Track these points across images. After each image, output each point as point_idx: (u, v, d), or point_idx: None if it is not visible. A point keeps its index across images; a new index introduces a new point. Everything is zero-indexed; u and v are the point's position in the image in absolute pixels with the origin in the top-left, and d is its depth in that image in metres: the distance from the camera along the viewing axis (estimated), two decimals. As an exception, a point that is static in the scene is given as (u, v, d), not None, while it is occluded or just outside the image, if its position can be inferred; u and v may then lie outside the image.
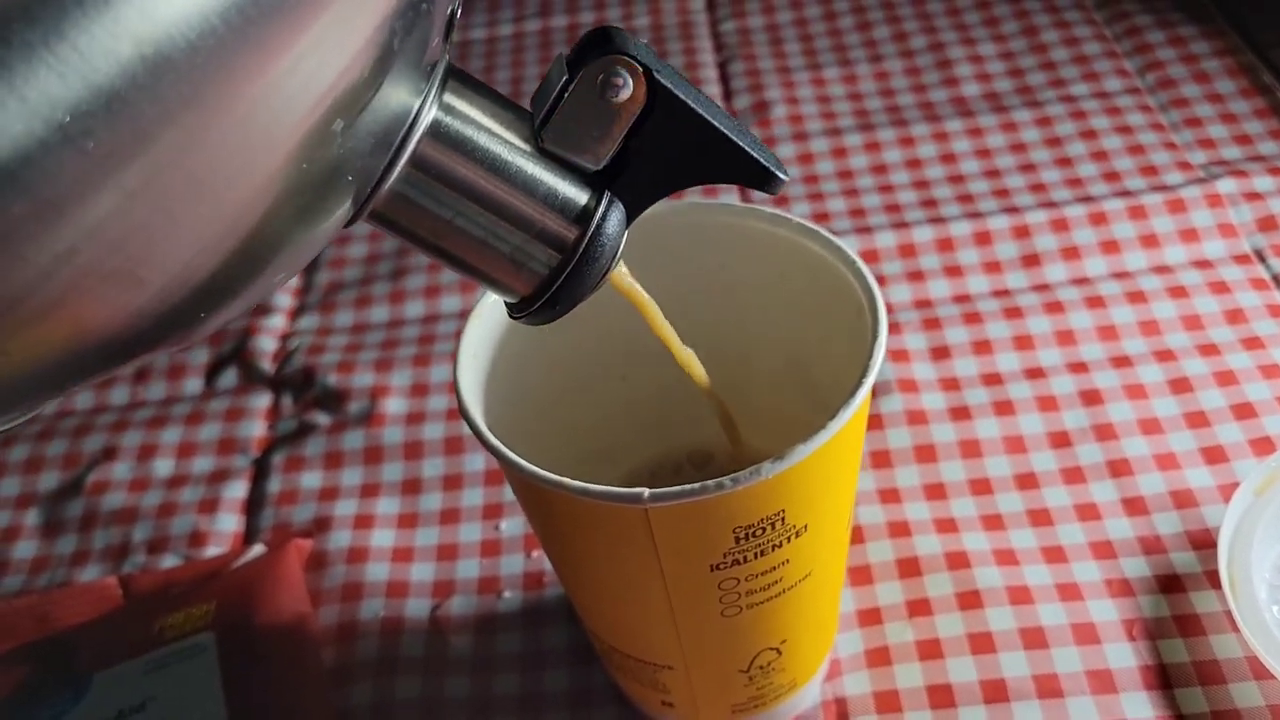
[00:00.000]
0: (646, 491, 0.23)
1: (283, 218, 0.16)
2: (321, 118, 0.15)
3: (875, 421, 0.39)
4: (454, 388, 0.26)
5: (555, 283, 0.21)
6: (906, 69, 0.54)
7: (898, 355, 0.42)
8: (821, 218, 0.47)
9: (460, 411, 0.26)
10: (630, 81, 0.20)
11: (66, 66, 0.13)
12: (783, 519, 0.25)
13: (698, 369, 0.27)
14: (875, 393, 0.40)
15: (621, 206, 0.22)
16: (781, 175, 0.22)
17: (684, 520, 0.24)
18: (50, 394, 0.18)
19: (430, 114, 0.19)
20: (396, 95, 0.17)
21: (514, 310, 0.22)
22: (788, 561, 0.26)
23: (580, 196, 0.21)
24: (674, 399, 0.31)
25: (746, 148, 0.22)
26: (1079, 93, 0.51)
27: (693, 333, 0.27)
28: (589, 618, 0.30)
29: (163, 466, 0.42)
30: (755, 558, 0.26)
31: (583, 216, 0.21)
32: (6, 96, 0.13)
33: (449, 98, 0.19)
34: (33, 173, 0.14)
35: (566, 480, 0.24)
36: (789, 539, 0.26)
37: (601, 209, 0.21)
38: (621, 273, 0.25)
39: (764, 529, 0.25)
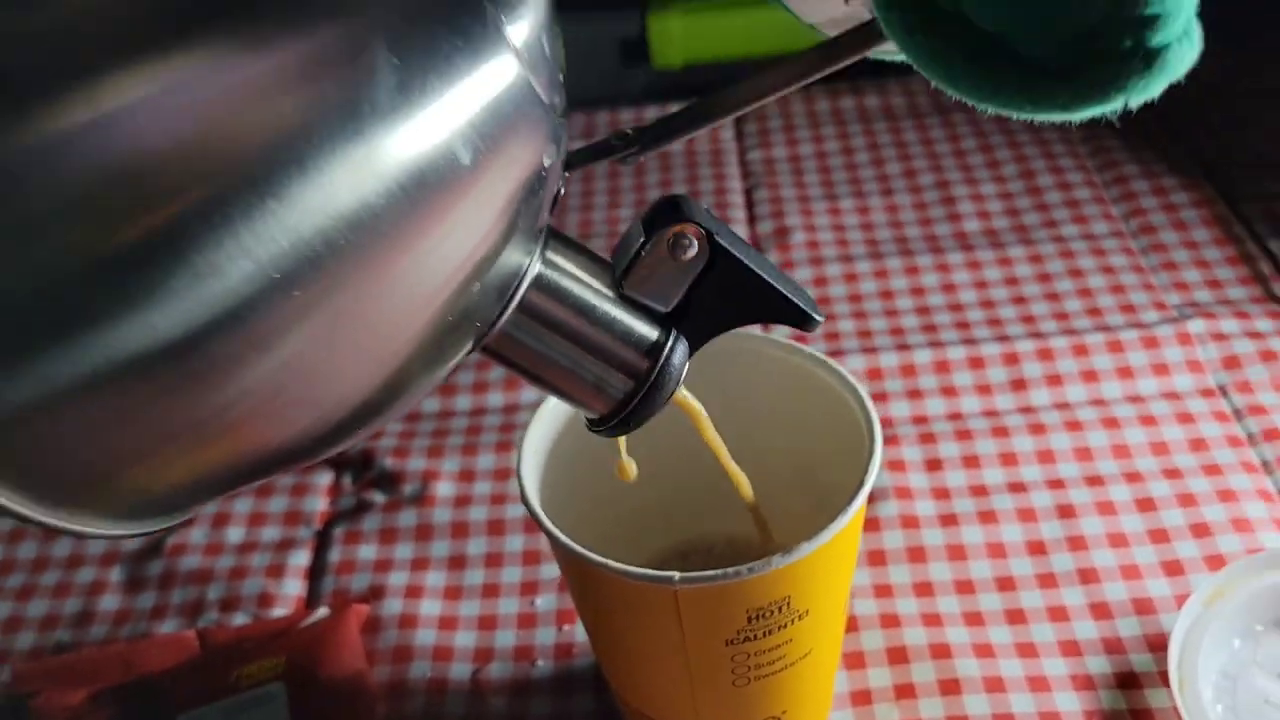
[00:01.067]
0: (677, 575, 0.28)
1: (426, 356, 0.21)
2: (462, 281, 0.21)
3: (872, 524, 0.44)
4: (517, 476, 0.31)
5: (629, 405, 0.26)
6: (915, 203, 0.60)
7: (895, 465, 0.47)
8: (832, 337, 0.53)
9: (521, 498, 0.31)
10: (695, 243, 0.26)
11: (285, 237, 0.19)
12: (789, 604, 0.30)
13: (744, 482, 0.32)
14: (873, 499, 0.45)
15: (685, 342, 0.27)
16: (818, 317, 0.28)
17: (706, 601, 0.29)
18: (217, 496, 0.23)
19: (536, 268, 0.24)
20: (514, 256, 0.23)
21: (592, 425, 0.27)
22: (791, 640, 0.31)
23: (652, 334, 0.26)
24: (707, 492, 0.36)
25: (790, 295, 0.27)
26: (1069, 233, 0.57)
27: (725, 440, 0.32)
28: (617, 681, 0.35)
29: (234, 534, 0.47)
30: (764, 636, 0.30)
31: (653, 350, 0.26)
32: (241, 257, 0.18)
33: (550, 254, 0.25)
34: (252, 314, 0.19)
35: (610, 561, 0.29)
36: (793, 621, 0.30)
37: (669, 344, 0.26)
38: (684, 394, 0.30)
39: (772, 612, 0.30)
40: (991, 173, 0.62)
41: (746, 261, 0.26)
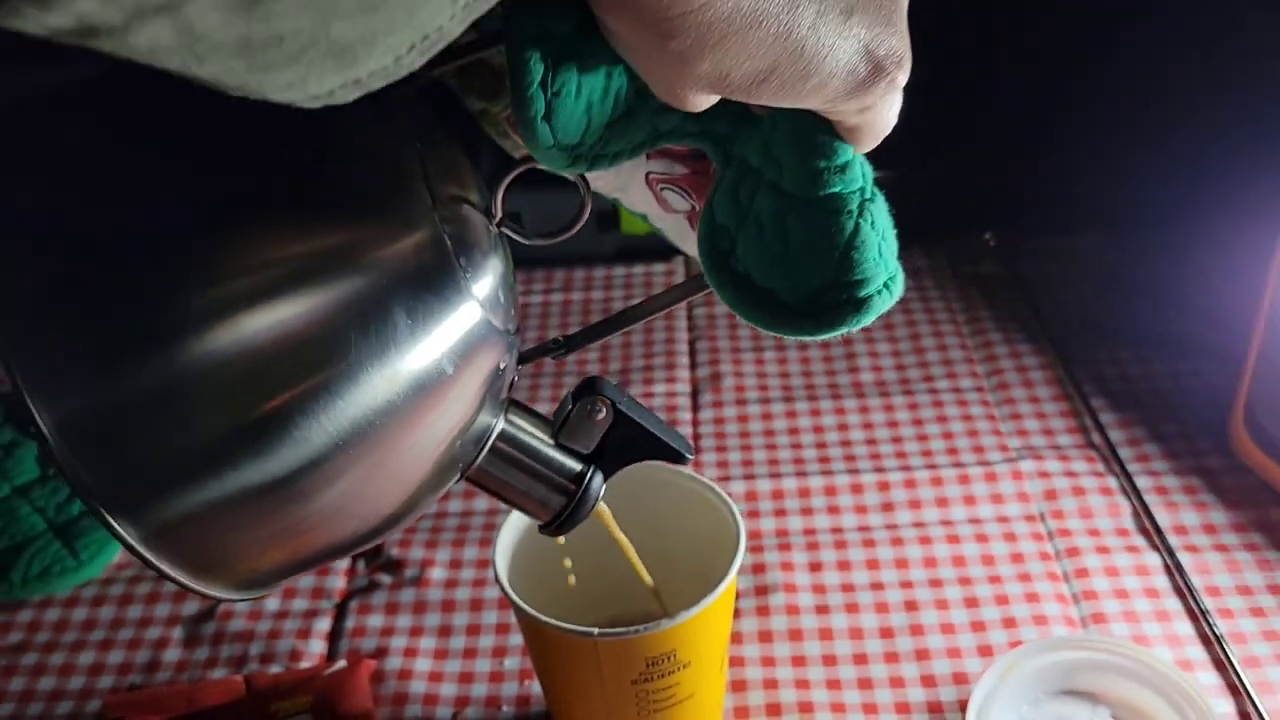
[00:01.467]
0: (596, 630, 0.42)
1: (430, 485, 0.34)
2: (454, 438, 0.34)
3: (764, 610, 0.58)
4: (492, 564, 0.45)
5: (563, 514, 0.39)
6: (823, 357, 0.75)
7: (786, 566, 0.60)
8: (748, 463, 0.67)
9: (495, 578, 0.45)
10: (604, 409, 0.40)
11: (343, 419, 0.31)
12: (675, 655, 0.43)
13: (642, 570, 0.46)
14: (765, 590, 0.59)
15: (601, 473, 0.40)
16: (689, 455, 0.41)
17: (616, 649, 0.42)
18: (295, 575, 0.36)
19: (500, 426, 0.38)
20: (485, 419, 0.36)
21: (541, 528, 0.41)
22: (679, 683, 0.45)
23: (577, 468, 0.39)
24: (630, 581, 0.50)
25: (670, 441, 0.41)
26: (941, 386, 0.72)
27: (633, 537, 0.46)
28: (555, 709, 0.48)
29: (272, 604, 0.61)
30: (658, 678, 0.44)
31: (578, 479, 0.39)
32: (319, 429, 0.31)
33: (510, 416, 0.38)
34: (325, 462, 0.31)
35: (554, 620, 0.42)
36: (679, 669, 0.44)
37: (589, 475, 0.39)
38: (603, 510, 0.43)
39: (662, 660, 0.43)
40: (887, 334, 0.77)
41: (640, 420, 0.39)
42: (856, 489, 0.65)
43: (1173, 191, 0.73)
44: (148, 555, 0.29)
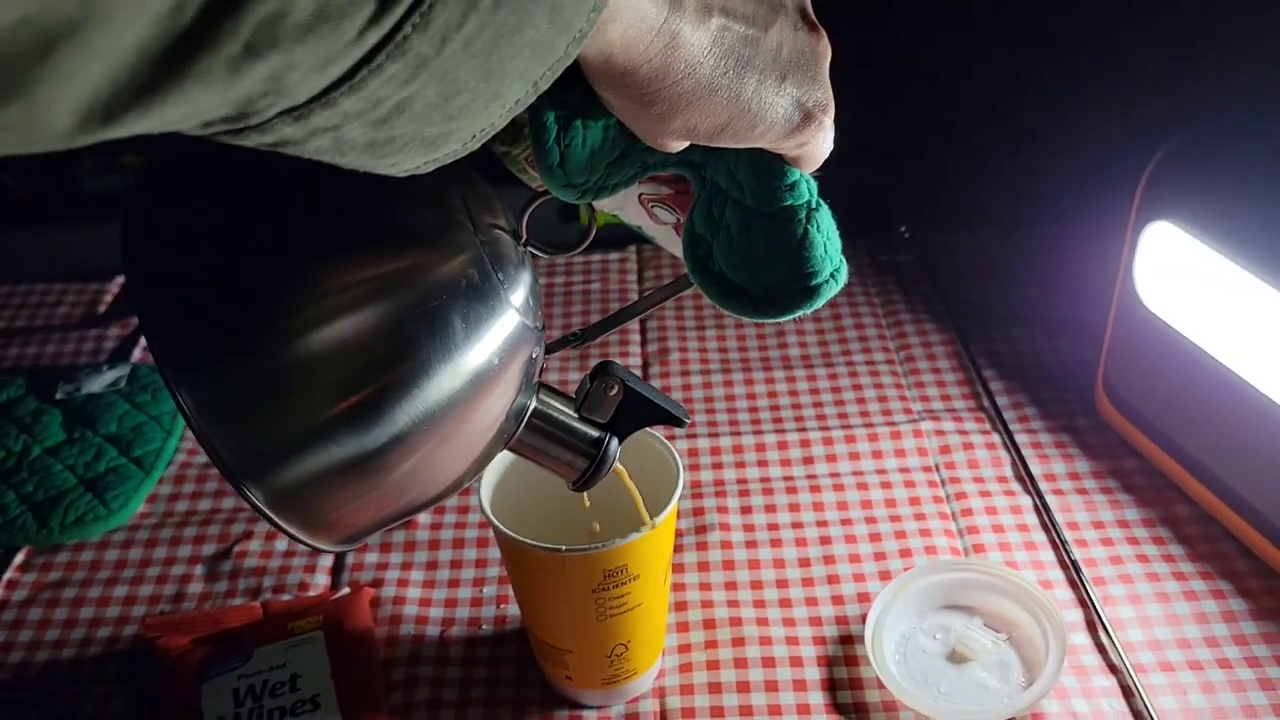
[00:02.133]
0: (564, 547, 0.52)
1: (485, 454, 0.42)
2: (501, 416, 0.41)
3: (703, 545, 0.69)
4: (478, 496, 0.55)
5: (587, 473, 0.48)
6: (756, 334, 0.86)
7: (722, 510, 0.71)
8: (691, 425, 0.78)
9: (480, 508, 0.55)
10: (617, 387, 0.49)
11: (421, 404, 0.39)
12: (626, 569, 0.54)
13: (642, 506, 0.55)
14: (704, 529, 0.70)
15: (616, 439, 0.48)
16: (685, 420, 0.50)
17: (580, 563, 0.53)
18: (387, 528, 0.44)
19: (533, 403, 0.46)
20: (522, 400, 0.44)
21: (570, 485, 0.49)
22: (629, 593, 0.55)
23: (596, 435, 0.47)
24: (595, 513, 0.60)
25: (670, 409, 0.49)
26: (857, 360, 0.83)
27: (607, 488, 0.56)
28: (529, 620, 0.58)
29: (280, 544, 0.70)
30: (613, 588, 0.54)
31: (598, 444, 0.47)
32: (403, 413, 0.40)
33: (541, 395, 0.46)
34: (408, 437, 0.39)
35: (529, 540, 0.53)
36: (629, 581, 0.55)
37: (607, 441, 0.48)
38: (618, 467, 0.52)
39: (616, 572, 0.54)
40: (813, 315, 0.88)
41: (645, 394, 0.48)
42: (782, 445, 0.76)
43: (1051, 193, 0.85)
44: (273, 516, 0.37)
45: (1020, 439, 0.75)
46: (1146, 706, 0.58)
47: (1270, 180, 0.60)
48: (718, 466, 0.75)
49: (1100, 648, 0.62)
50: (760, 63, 0.34)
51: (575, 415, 0.47)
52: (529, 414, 0.45)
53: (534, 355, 0.42)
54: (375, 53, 0.25)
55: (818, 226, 0.40)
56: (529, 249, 0.43)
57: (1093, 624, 0.63)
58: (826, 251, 0.40)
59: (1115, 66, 0.82)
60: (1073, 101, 0.85)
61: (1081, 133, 0.83)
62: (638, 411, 0.48)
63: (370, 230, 0.37)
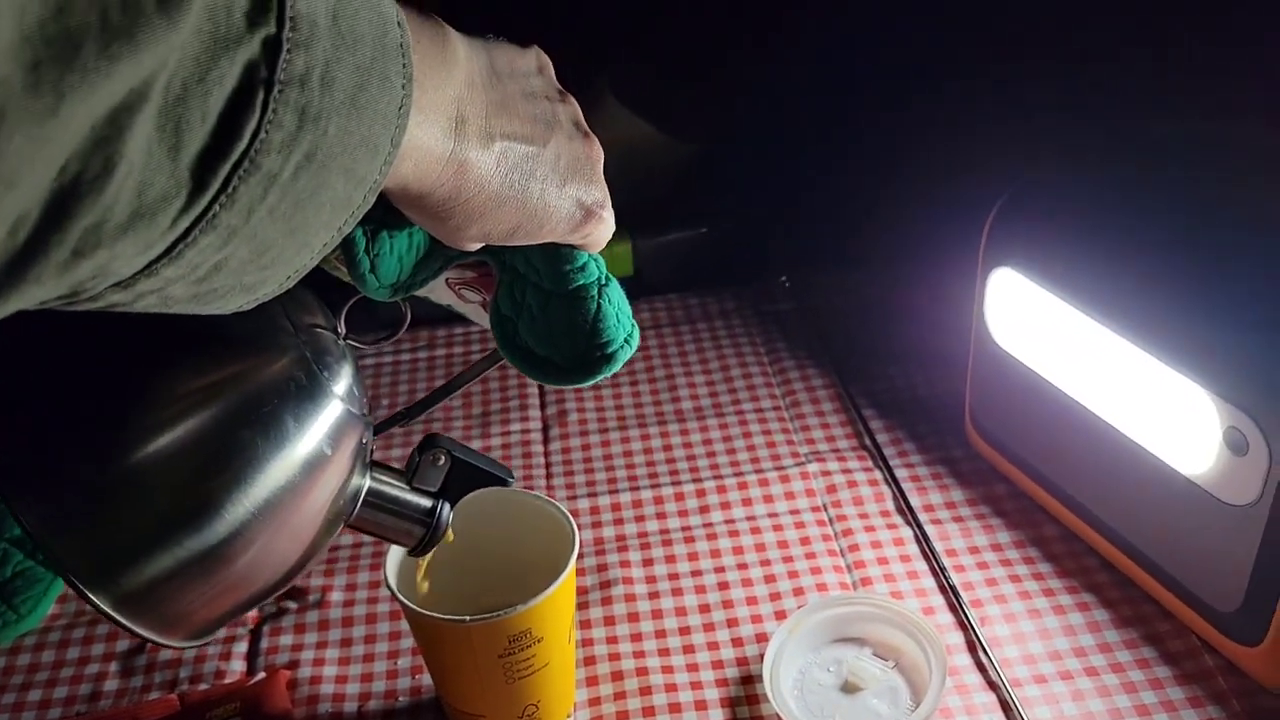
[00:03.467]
0: (468, 617, 0.55)
1: (324, 536, 0.45)
2: (336, 499, 0.45)
3: (608, 600, 0.72)
4: (384, 574, 0.58)
5: (424, 540, 0.51)
6: (651, 389, 0.90)
7: (624, 564, 0.74)
8: (591, 483, 0.81)
9: (385, 584, 0.57)
10: (443, 456, 0.52)
11: (254, 499, 0.42)
12: (530, 633, 0.57)
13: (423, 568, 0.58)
14: (609, 585, 0.73)
15: (448, 505, 0.52)
16: (510, 480, 0.53)
17: (484, 632, 0.56)
18: (231, 620, 0.47)
19: (368, 483, 0.49)
20: (356, 481, 0.47)
21: (408, 552, 0.52)
22: (535, 655, 0.58)
23: (429, 504, 0.51)
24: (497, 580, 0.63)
25: (495, 472, 0.53)
26: (746, 408, 0.88)
27: (493, 548, 0.59)
28: (440, 688, 0.61)
29: (194, 635, 0.71)
30: (519, 652, 0.57)
31: (431, 513, 0.51)
32: (238, 507, 0.43)
33: (374, 473, 0.49)
34: (245, 529, 0.41)
35: (434, 613, 0.55)
36: (534, 643, 0.57)
37: (439, 509, 0.51)
38: (449, 534, 0.55)
39: (521, 637, 0.57)
40: (702, 367, 0.92)
41: (470, 460, 0.52)
42: (679, 497, 0.80)
43: (916, 233, 0.91)
44: (119, 618, 0.38)
45: (900, 473, 0.80)
46: (1022, 718, 0.62)
47: (1093, 227, 0.66)
48: (619, 522, 0.78)
49: (980, 666, 0.66)
50: (541, 173, 0.39)
51: (407, 488, 0.50)
52: (364, 493, 0.47)
53: (363, 440, 0.45)
54: (189, 232, 0.28)
55: (609, 300, 0.45)
56: (348, 342, 0.47)
57: (972, 645, 0.67)
58: (619, 321, 0.45)
59: (961, 116, 0.89)
60: (927, 147, 0.92)
61: (937, 179, 0.89)
62: (466, 477, 0.52)
63: (198, 341, 0.39)
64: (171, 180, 0.26)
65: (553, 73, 0.42)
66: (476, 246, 0.41)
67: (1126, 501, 0.67)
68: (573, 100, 0.42)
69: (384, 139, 0.31)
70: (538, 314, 0.45)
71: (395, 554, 0.59)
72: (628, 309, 0.46)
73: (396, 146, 0.32)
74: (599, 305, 0.44)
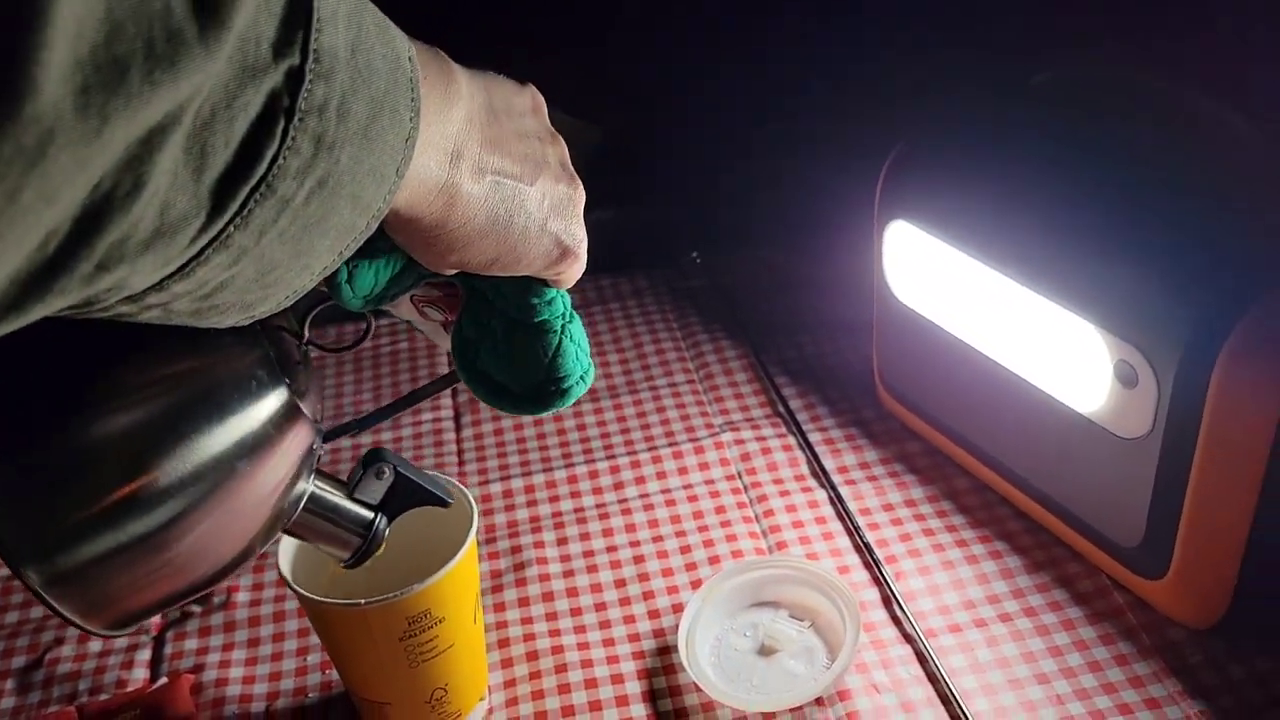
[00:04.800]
0: (364, 600, 0.54)
1: (262, 537, 0.44)
2: (278, 503, 0.43)
3: (522, 581, 0.71)
4: (276, 568, 0.56)
5: (359, 553, 0.50)
6: (565, 372, 0.89)
7: (538, 545, 0.73)
8: (504, 467, 0.80)
9: (280, 576, 0.56)
10: (387, 470, 0.51)
11: (189, 493, 0.41)
12: (430, 613, 0.56)
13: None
14: (523, 566, 0.72)
15: (386, 518, 0.51)
16: (450, 500, 0.53)
17: (381, 614, 0.54)
18: (159, 613, 0.45)
19: (310, 488, 0.48)
20: (301, 485, 0.46)
21: (341, 564, 0.51)
22: (438, 636, 0.57)
23: (368, 515, 0.50)
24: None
25: (436, 492, 0.52)
26: (661, 384, 0.87)
27: (396, 533, 0.58)
28: (345, 679, 0.59)
29: (94, 645, 0.69)
30: (420, 634, 0.56)
31: (370, 525, 0.50)
32: (174, 501, 0.41)
33: (317, 481, 0.48)
34: (181, 520, 0.41)
35: (329, 599, 0.54)
36: (435, 624, 0.56)
37: (378, 522, 0.50)
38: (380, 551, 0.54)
39: (420, 618, 0.55)
40: (616, 346, 0.92)
41: (414, 478, 0.51)
42: (593, 475, 0.79)
43: (817, 202, 0.91)
44: (48, 598, 0.38)
45: (813, 437, 0.80)
46: (938, 667, 0.62)
47: (981, 176, 0.66)
48: (532, 504, 0.77)
49: (896, 620, 0.66)
50: (526, 210, 0.41)
51: (348, 498, 0.50)
52: (306, 499, 0.46)
53: (314, 446, 0.45)
54: (203, 251, 0.29)
55: (570, 337, 0.46)
56: (310, 347, 0.46)
57: (887, 600, 0.67)
58: (578, 358, 0.47)
59: (849, 84, 0.89)
60: (822, 117, 0.92)
61: (835, 147, 0.89)
62: (407, 494, 0.51)
63: (162, 331, 0.37)
64: (193, 201, 0.28)
65: (545, 114, 0.44)
66: (453, 271, 0.42)
67: (1032, 447, 0.68)
68: (561, 142, 0.44)
69: (390, 169, 0.33)
70: (500, 341, 0.46)
71: (288, 544, 0.58)
72: (587, 348, 0.48)
73: (401, 177, 0.33)
74: (561, 340, 0.46)
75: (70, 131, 0.24)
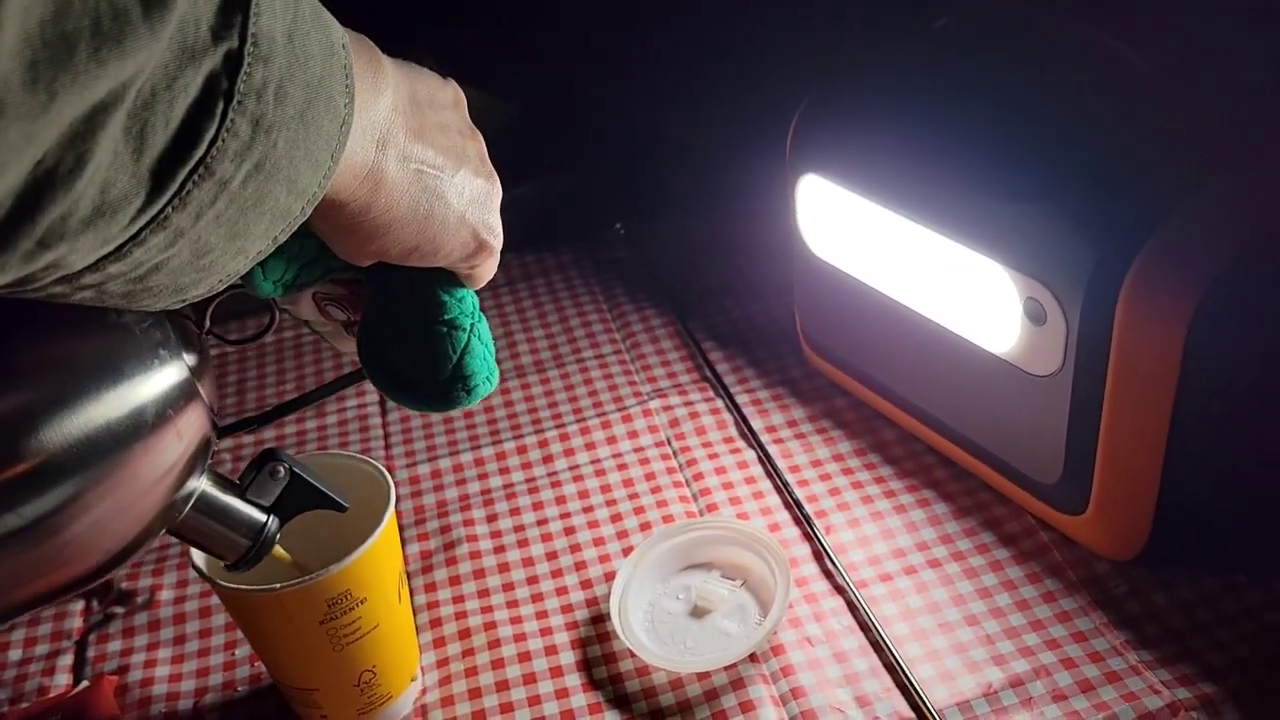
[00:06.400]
0: (279, 584, 0.52)
1: (146, 534, 0.42)
2: (168, 497, 0.42)
3: (452, 560, 0.70)
4: (189, 557, 0.55)
5: (247, 555, 0.48)
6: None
7: (468, 522, 0.72)
8: (431, 448, 0.79)
9: (192, 564, 0.54)
10: (282, 470, 0.50)
11: (92, 474, 0.39)
12: (350, 594, 0.55)
13: (287, 561, 0.55)
14: (453, 545, 0.71)
15: (278, 520, 0.49)
16: (345, 507, 0.51)
17: (298, 598, 0.53)
18: (38, 608, 0.43)
19: (201, 485, 0.46)
20: (192, 482, 0.44)
21: (226, 567, 0.49)
22: (360, 618, 0.56)
23: (260, 518, 0.48)
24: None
25: (332, 495, 0.51)
26: (587, 356, 0.86)
27: (316, 518, 0.57)
28: (270, 668, 0.58)
29: (14, 654, 0.67)
30: (341, 615, 0.55)
31: (261, 528, 0.48)
32: (58, 488, 0.40)
33: (206, 478, 0.46)
34: (62, 510, 0.39)
35: (242, 586, 0.53)
36: (356, 605, 0.55)
37: (269, 524, 0.48)
38: (277, 549, 0.51)
39: (340, 599, 0.54)
40: (541, 320, 0.91)
41: (310, 479, 0.50)
42: (522, 450, 0.78)
43: (734, 167, 0.90)
44: None
45: (741, 399, 0.79)
46: (869, 616, 0.62)
47: (886, 124, 0.66)
48: (461, 483, 0.76)
49: (827, 574, 0.66)
50: (446, 201, 0.41)
51: (240, 498, 0.48)
52: (196, 496, 0.45)
53: (209, 440, 0.43)
54: (140, 231, 0.29)
55: (479, 337, 0.47)
56: (210, 336, 0.45)
57: (818, 554, 0.67)
58: (484, 358, 0.47)
59: (752, 36, 0.89)
60: (730, 74, 0.91)
61: (745, 102, 0.89)
62: (301, 496, 0.50)
63: (61, 309, 0.36)
64: (133, 180, 0.28)
65: (466, 109, 0.44)
66: (369, 262, 0.42)
67: (952, 393, 0.68)
68: (480, 137, 0.44)
69: (325, 154, 0.33)
70: (409, 338, 0.46)
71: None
72: (493, 350, 0.48)
73: (336, 162, 0.34)
74: (469, 340, 0.46)
75: (19, 106, 0.24)
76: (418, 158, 0.39)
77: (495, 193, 0.44)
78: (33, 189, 0.26)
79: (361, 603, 0.55)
